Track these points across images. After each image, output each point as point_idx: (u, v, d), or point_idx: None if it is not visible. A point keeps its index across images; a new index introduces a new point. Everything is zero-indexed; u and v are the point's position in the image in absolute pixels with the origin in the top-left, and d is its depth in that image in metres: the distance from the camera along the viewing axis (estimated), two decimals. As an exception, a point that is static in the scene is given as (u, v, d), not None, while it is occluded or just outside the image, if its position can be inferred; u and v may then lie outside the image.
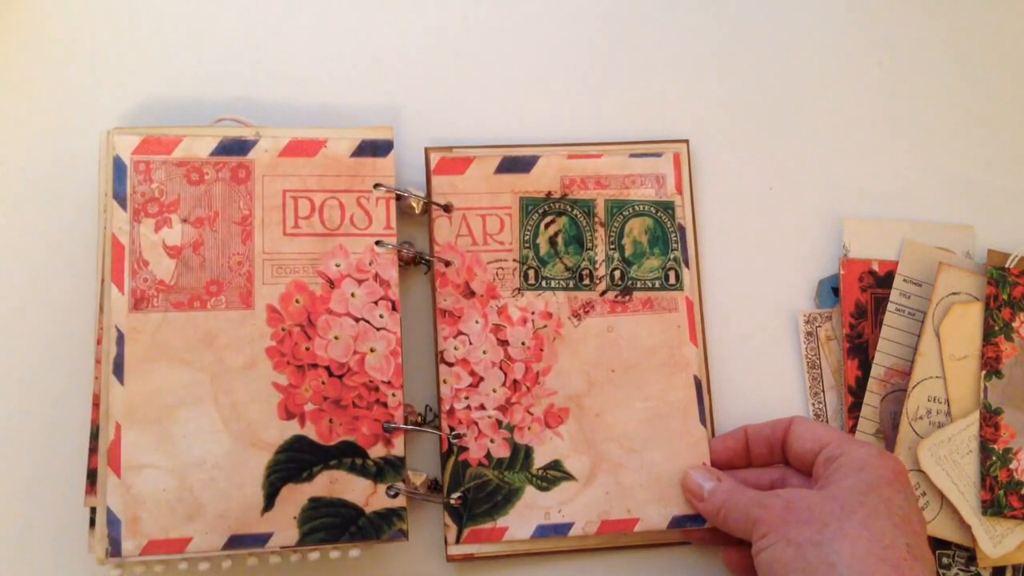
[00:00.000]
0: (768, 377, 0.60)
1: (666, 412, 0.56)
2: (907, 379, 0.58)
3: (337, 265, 0.55)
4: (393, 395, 0.54)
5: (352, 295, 0.54)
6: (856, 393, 0.59)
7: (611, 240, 0.58)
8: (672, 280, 0.58)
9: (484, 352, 0.56)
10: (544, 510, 0.55)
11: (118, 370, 0.51)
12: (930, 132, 0.65)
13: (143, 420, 0.51)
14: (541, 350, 0.56)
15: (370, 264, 0.55)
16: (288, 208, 0.55)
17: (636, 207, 0.58)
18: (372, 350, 0.54)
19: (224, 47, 0.61)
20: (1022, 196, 0.64)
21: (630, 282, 0.57)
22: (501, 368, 0.56)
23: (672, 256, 0.58)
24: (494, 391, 0.56)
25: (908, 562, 0.46)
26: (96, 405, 0.52)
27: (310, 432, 0.53)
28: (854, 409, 0.59)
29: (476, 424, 0.55)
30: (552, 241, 0.58)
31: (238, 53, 0.61)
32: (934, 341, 0.59)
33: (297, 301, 0.54)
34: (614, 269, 0.57)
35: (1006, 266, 0.60)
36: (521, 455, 0.55)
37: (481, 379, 0.56)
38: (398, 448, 0.53)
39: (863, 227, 0.62)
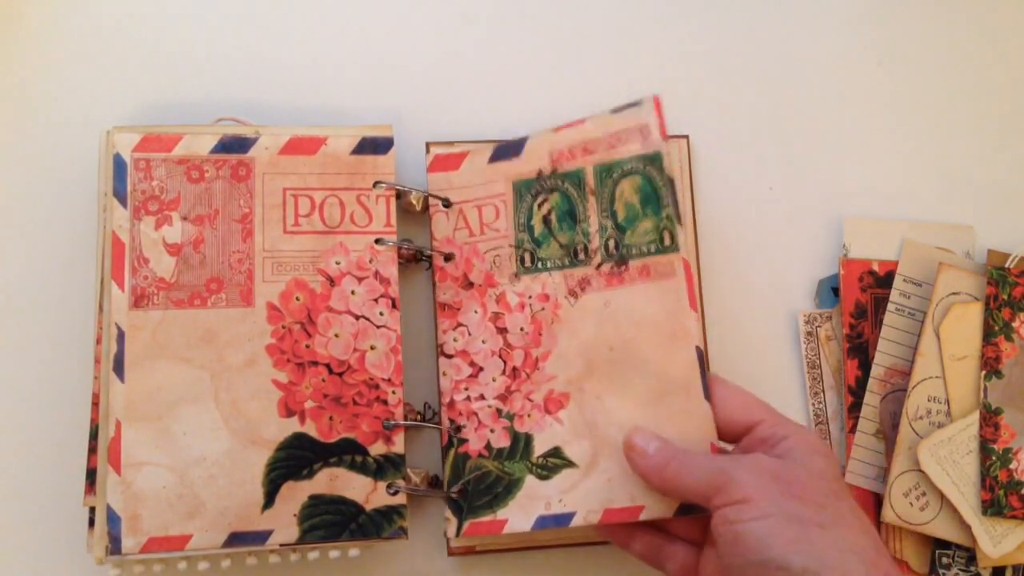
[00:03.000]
0: (768, 377, 0.60)
1: (668, 390, 0.53)
2: (907, 379, 0.58)
3: (337, 263, 0.55)
4: (393, 392, 0.54)
5: (352, 293, 0.54)
6: (856, 393, 0.59)
7: (603, 207, 0.55)
8: (667, 241, 0.54)
9: (483, 341, 0.56)
10: (545, 500, 0.53)
11: (118, 367, 0.51)
12: (930, 132, 0.65)
13: (143, 417, 0.51)
14: (540, 335, 0.55)
15: (370, 262, 0.55)
16: (288, 206, 0.55)
17: (624, 167, 0.55)
18: (372, 348, 0.54)
19: (224, 48, 0.61)
20: (1022, 196, 0.64)
21: (625, 250, 0.55)
22: (500, 356, 0.55)
23: (665, 214, 0.54)
24: (493, 380, 0.55)
25: (893, 561, 0.45)
26: (96, 405, 0.52)
27: (310, 429, 0.53)
28: (854, 409, 0.59)
29: (476, 415, 0.55)
30: (546, 220, 0.56)
31: (238, 54, 0.61)
32: (934, 341, 0.58)
33: (297, 299, 0.54)
34: (608, 239, 0.55)
35: (1006, 266, 0.60)
36: (521, 444, 0.55)
37: (481, 369, 0.55)
38: (398, 445, 0.53)
39: (863, 227, 0.62)
